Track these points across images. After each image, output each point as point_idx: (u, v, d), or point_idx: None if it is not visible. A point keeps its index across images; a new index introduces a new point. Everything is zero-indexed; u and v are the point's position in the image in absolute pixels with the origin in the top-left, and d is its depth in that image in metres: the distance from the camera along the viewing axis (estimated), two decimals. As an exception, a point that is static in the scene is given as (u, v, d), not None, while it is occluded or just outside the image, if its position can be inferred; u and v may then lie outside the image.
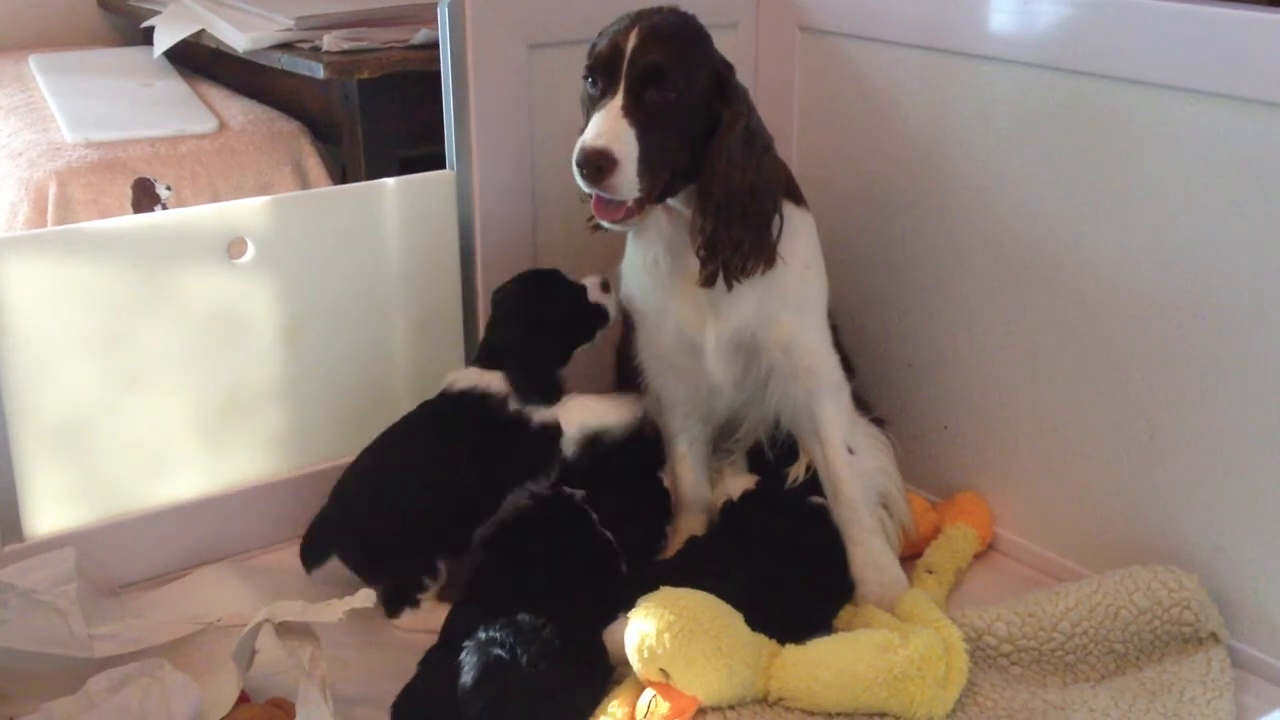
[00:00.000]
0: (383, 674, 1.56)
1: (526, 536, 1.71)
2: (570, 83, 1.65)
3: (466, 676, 1.45)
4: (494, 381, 1.76)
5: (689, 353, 1.74)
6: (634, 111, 1.52)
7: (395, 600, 1.72)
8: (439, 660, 1.52)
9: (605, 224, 1.60)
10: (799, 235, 1.70)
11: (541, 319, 1.79)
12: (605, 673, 1.56)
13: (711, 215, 1.58)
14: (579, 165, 1.51)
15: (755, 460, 1.88)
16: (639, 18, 1.57)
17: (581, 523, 1.73)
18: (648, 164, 1.53)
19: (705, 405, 1.83)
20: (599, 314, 1.82)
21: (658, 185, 1.58)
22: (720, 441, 1.92)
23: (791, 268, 1.68)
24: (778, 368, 1.73)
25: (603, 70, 1.55)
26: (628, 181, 1.52)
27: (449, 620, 1.61)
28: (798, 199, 1.73)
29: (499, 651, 1.45)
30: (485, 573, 1.68)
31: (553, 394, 1.77)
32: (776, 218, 1.62)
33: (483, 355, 1.81)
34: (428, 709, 1.48)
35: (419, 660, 1.55)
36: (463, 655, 1.47)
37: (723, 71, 1.60)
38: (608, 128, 1.51)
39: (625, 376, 1.88)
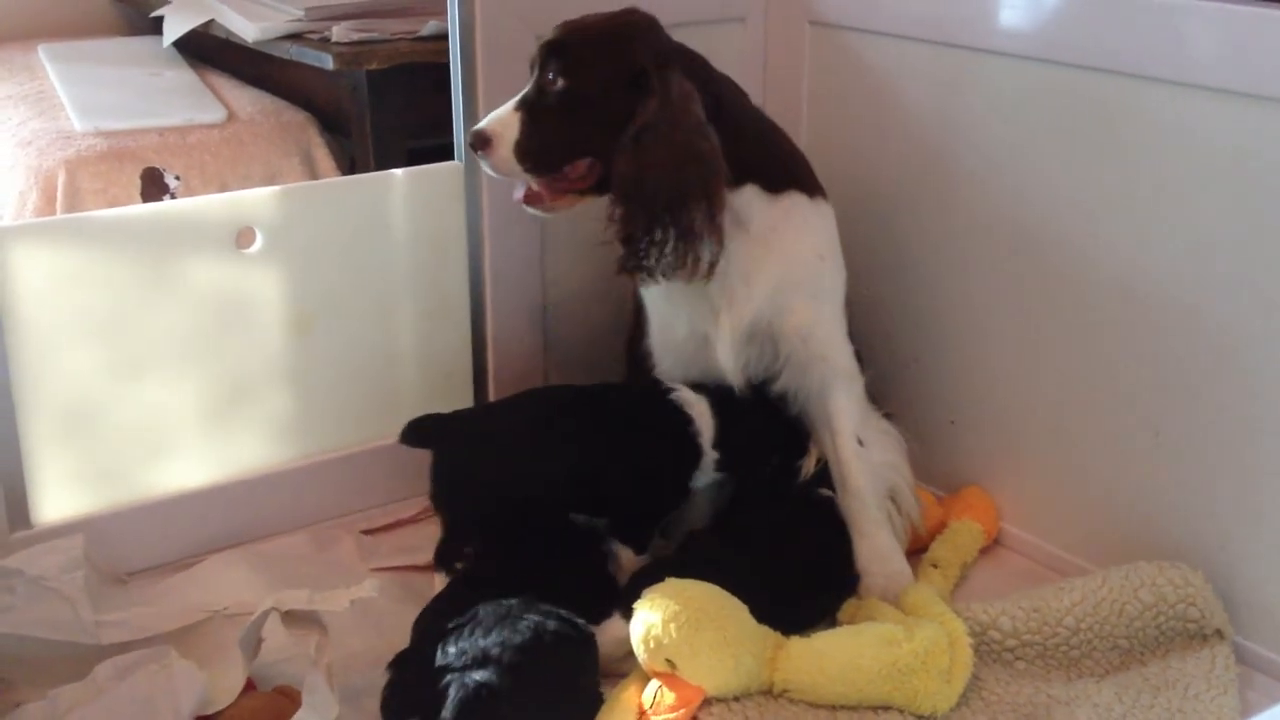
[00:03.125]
0: (386, 662, 1.56)
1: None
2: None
3: (448, 711, 1.40)
4: (706, 433, 1.73)
5: (700, 343, 1.75)
6: (531, 100, 1.62)
7: (447, 558, 1.71)
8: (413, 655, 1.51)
9: (526, 209, 1.67)
10: (809, 224, 1.71)
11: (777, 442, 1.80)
12: (595, 669, 1.54)
13: (616, 204, 1.60)
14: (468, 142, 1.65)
15: None
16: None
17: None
18: (528, 148, 1.60)
19: None
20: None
21: (568, 172, 1.63)
22: None
23: (803, 256, 1.69)
24: (794, 356, 1.73)
25: (531, 66, 1.64)
26: (503, 161, 1.62)
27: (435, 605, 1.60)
28: (811, 190, 1.73)
29: (480, 677, 1.41)
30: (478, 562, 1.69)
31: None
32: (696, 221, 1.58)
33: (722, 424, 1.75)
34: (408, 702, 1.46)
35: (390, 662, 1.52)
36: (446, 681, 1.42)
37: (646, 67, 1.59)
38: (496, 112, 1.63)
39: (636, 367, 1.89)
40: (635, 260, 1.60)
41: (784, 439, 1.80)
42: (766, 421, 1.78)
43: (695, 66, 1.64)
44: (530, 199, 1.66)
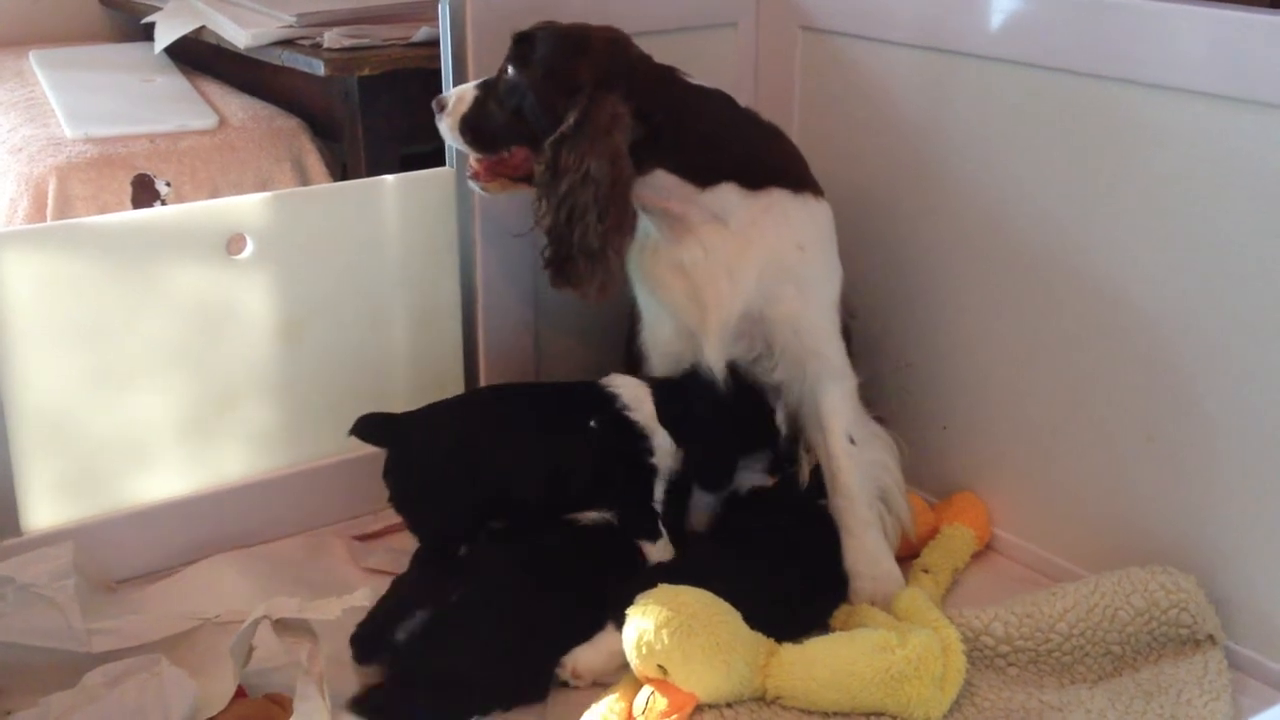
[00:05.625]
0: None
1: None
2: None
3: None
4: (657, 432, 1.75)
5: (688, 340, 1.77)
6: (491, 82, 1.72)
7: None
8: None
9: (469, 182, 1.79)
10: (789, 218, 1.72)
11: (736, 423, 1.80)
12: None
13: (538, 201, 1.66)
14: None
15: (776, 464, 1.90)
16: None
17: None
18: (469, 124, 1.72)
19: None
20: (776, 437, 1.82)
21: (508, 158, 1.71)
22: None
23: (783, 247, 1.71)
24: (787, 349, 1.74)
25: None
26: (448, 130, 1.75)
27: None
28: (798, 186, 1.74)
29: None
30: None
31: (725, 481, 1.81)
32: (588, 240, 1.62)
33: (661, 399, 1.78)
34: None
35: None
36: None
37: (584, 82, 1.62)
38: (463, 85, 1.76)
39: (632, 367, 1.90)
40: (553, 259, 1.66)
41: (749, 419, 1.80)
42: (724, 401, 1.78)
43: (654, 85, 1.66)
44: (472, 174, 1.76)
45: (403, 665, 1.51)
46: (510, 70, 1.68)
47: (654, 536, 1.73)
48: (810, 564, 1.73)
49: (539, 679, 1.57)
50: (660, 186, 1.67)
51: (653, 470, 1.75)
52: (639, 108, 1.63)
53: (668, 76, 1.70)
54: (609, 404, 1.75)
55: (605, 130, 1.61)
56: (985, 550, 1.92)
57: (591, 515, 1.73)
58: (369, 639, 1.53)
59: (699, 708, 1.51)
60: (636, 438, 1.74)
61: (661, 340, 1.81)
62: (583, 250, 1.63)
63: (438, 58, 1.90)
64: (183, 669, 1.47)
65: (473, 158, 1.75)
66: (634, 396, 1.76)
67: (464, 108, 1.72)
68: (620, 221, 1.63)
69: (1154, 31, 1.61)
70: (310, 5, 2.75)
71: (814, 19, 2.04)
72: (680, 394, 1.77)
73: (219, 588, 1.76)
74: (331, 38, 2.56)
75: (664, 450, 1.76)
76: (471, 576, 1.61)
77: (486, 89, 1.71)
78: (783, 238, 1.71)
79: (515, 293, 2.01)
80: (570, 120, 1.61)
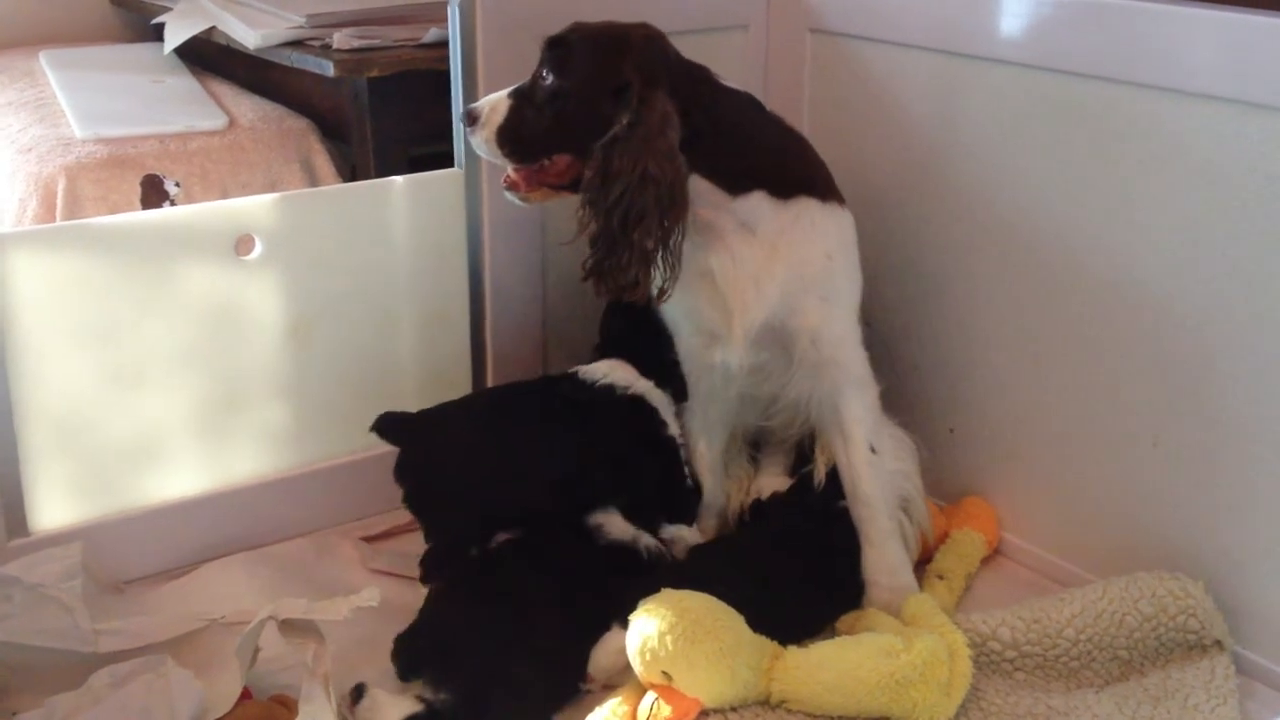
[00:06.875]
0: (387, 672, 1.56)
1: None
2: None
3: None
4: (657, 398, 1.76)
5: (708, 344, 1.76)
6: (525, 90, 1.66)
7: (439, 566, 1.70)
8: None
9: (505, 193, 1.71)
10: (818, 227, 1.71)
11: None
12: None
13: (582, 206, 1.62)
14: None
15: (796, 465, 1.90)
16: None
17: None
18: (509, 135, 1.65)
19: (727, 406, 1.84)
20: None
21: (549, 166, 1.66)
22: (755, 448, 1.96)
23: (812, 257, 1.70)
24: (805, 359, 1.73)
25: None
26: (483, 142, 1.67)
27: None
28: (825, 195, 1.73)
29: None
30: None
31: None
32: (647, 243, 1.59)
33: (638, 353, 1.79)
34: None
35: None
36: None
37: (631, 81, 1.60)
38: (492, 95, 1.69)
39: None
40: (598, 268, 1.61)
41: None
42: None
43: (692, 84, 1.64)
44: (509, 184, 1.70)
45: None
46: (548, 75, 1.63)
47: (691, 517, 1.73)
48: (827, 567, 1.72)
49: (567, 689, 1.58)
50: (694, 192, 1.64)
51: (674, 444, 1.75)
52: (679, 107, 1.60)
53: (703, 76, 1.67)
54: (610, 393, 1.73)
55: (659, 130, 1.58)
56: (993, 555, 1.91)
57: (610, 524, 1.72)
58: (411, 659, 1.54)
59: (703, 713, 1.51)
60: (649, 413, 1.73)
61: (681, 343, 1.81)
62: (639, 255, 1.58)
63: (447, 59, 1.91)
64: (189, 670, 1.47)
65: (510, 167, 1.69)
66: (624, 376, 1.74)
67: (499, 118, 1.65)
68: (680, 221, 1.60)
69: (1164, 35, 1.61)
70: (320, 6, 2.76)
71: (824, 21, 2.04)
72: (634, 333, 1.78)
73: (226, 588, 1.76)
74: (341, 39, 2.57)
75: (671, 415, 1.77)
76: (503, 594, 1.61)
77: (520, 97, 1.65)
78: (812, 248, 1.70)
79: (524, 294, 2.01)
80: (623, 121, 1.58)
